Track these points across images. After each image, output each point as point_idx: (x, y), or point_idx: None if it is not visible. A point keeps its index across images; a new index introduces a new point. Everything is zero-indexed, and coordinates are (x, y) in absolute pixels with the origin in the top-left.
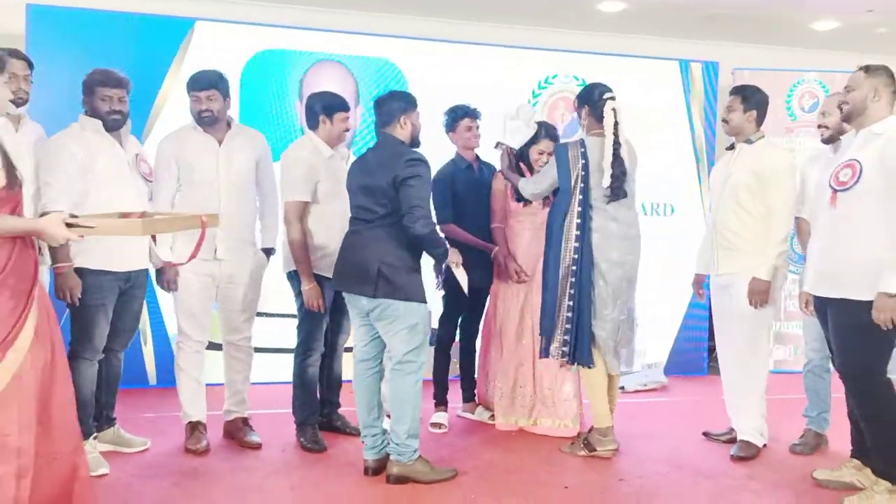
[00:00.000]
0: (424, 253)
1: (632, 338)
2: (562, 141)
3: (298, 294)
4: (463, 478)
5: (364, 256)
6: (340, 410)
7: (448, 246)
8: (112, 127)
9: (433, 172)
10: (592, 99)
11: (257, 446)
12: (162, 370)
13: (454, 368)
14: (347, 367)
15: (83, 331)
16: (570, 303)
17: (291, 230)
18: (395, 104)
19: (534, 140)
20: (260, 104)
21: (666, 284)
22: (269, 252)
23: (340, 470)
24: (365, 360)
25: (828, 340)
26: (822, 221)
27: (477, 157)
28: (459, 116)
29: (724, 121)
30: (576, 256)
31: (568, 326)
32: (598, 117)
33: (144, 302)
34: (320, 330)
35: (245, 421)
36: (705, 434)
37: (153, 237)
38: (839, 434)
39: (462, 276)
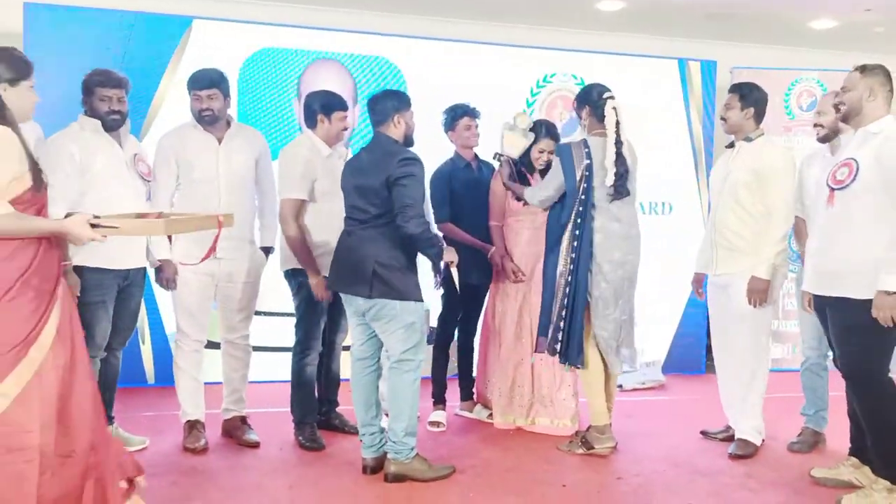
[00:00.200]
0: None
1: (633, 337)
2: (562, 140)
3: (296, 293)
4: (461, 476)
5: (359, 257)
6: (339, 409)
7: (443, 245)
8: (111, 127)
9: (431, 171)
10: (593, 99)
11: (256, 445)
12: (160, 369)
13: (453, 367)
14: (345, 365)
15: (85, 328)
16: (565, 301)
17: (287, 228)
18: (388, 103)
19: (534, 138)
20: (258, 103)
21: (664, 283)
22: (267, 251)
23: (339, 468)
24: (362, 358)
25: (828, 339)
26: (820, 220)
27: (476, 155)
28: (459, 115)
29: (723, 119)
30: (573, 255)
31: (561, 325)
32: (600, 117)
33: (143, 300)
34: (318, 329)
35: (243, 419)
36: (703, 433)
37: (169, 237)
38: (837, 432)
39: (455, 275)
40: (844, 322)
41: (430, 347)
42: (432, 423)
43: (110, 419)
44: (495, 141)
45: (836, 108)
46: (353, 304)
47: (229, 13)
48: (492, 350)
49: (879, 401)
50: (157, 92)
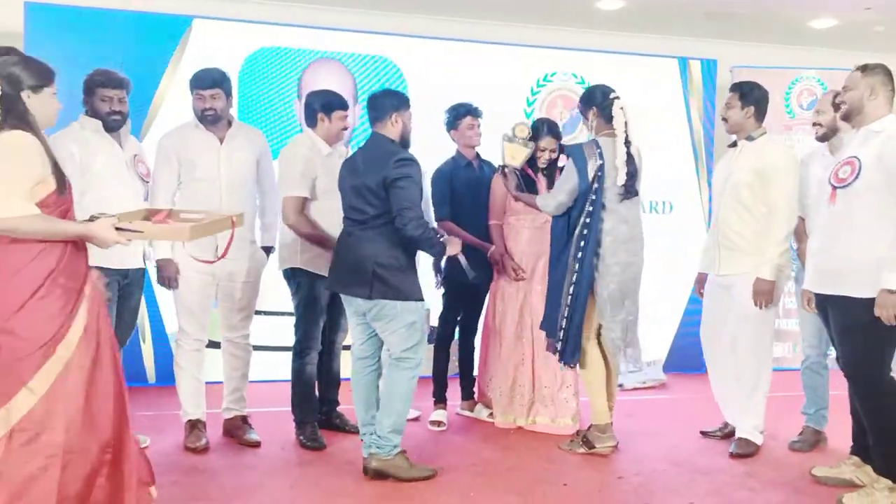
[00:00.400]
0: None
1: (638, 337)
2: (563, 139)
3: (295, 292)
4: (462, 475)
5: (358, 258)
6: (339, 408)
7: (444, 242)
8: (112, 127)
9: (432, 171)
10: (600, 100)
11: (256, 444)
12: (161, 368)
13: (453, 366)
14: (346, 365)
15: None
16: (568, 302)
17: (292, 223)
18: (387, 101)
19: (536, 137)
20: (258, 102)
21: (665, 282)
22: (268, 250)
23: (340, 468)
24: (363, 357)
25: (831, 338)
26: (821, 219)
27: (477, 154)
28: (462, 114)
29: (724, 119)
30: (579, 255)
31: (563, 325)
32: (608, 118)
33: (142, 300)
34: (317, 328)
35: (244, 419)
36: (702, 433)
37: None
38: (838, 431)
39: (464, 263)
40: (846, 321)
41: (431, 347)
42: (433, 423)
43: None
44: (496, 141)
45: (837, 106)
46: (353, 304)
47: (229, 13)
48: (492, 349)
49: (881, 400)
50: (158, 91)
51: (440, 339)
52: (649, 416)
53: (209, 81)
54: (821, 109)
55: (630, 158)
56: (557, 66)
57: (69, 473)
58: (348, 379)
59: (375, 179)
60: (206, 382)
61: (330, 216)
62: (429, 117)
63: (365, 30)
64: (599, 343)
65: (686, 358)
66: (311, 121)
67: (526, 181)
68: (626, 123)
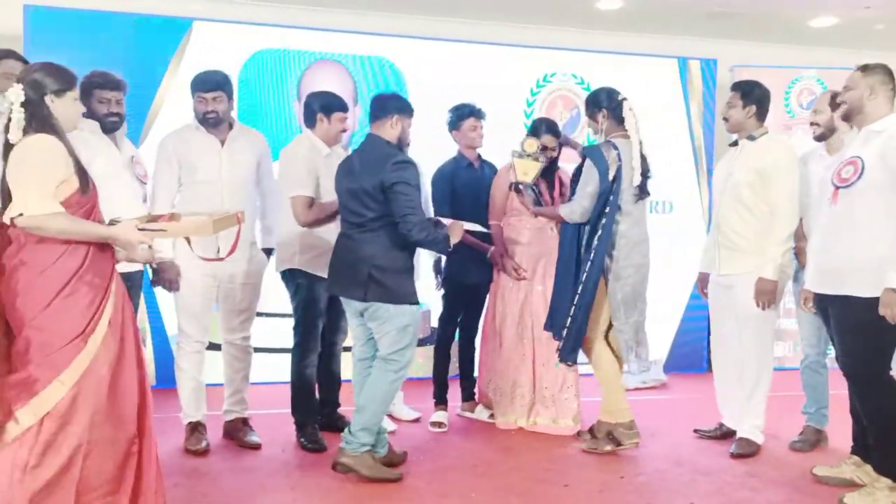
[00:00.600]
0: (421, 252)
1: (646, 336)
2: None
3: (294, 294)
4: (463, 476)
5: (354, 260)
6: (340, 410)
7: (447, 236)
8: (109, 129)
9: (432, 172)
10: (610, 102)
11: (257, 446)
12: (162, 370)
13: (454, 367)
14: (346, 366)
15: None
16: (574, 301)
17: (306, 221)
18: (392, 102)
19: (535, 136)
20: (258, 104)
21: (665, 282)
22: (269, 252)
23: None
24: (363, 358)
25: (831, 338)
26: (822, 219)
27: (479, 156)
28: (465, 115)
29: (725, 119)
30: (591, 255)
31: (567, 323)
32: (619, 119)
33: (143, 302)
34: (316, 330)
35: (245, 421)
36: (696, 431)
37: (188, 239)
38: (839, 431)
39: (472, 225)
40: (847, 321)
41: (431, 348)
42: (434, 424)
43: None
44: (497, 141)
45: (835, 106)
46: (351, 305)
47: (229, 15)
48: (493, 350)
49: (881, 399)
50: (158, 94)
51: (440, 340)
52: (650, 416)
53: (212, 84)
54: (818, 109)
55: (643, 159)
56: (557, 66)
57: (93, 464)
58: (349, 380)
59: (372, 183)
60: (207, 384)
61: None
62: (429, 118)
63: (364, 31)
64: (608, 343)
65: (686, 358)
66: (311, 121)
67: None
68: (636, 124)
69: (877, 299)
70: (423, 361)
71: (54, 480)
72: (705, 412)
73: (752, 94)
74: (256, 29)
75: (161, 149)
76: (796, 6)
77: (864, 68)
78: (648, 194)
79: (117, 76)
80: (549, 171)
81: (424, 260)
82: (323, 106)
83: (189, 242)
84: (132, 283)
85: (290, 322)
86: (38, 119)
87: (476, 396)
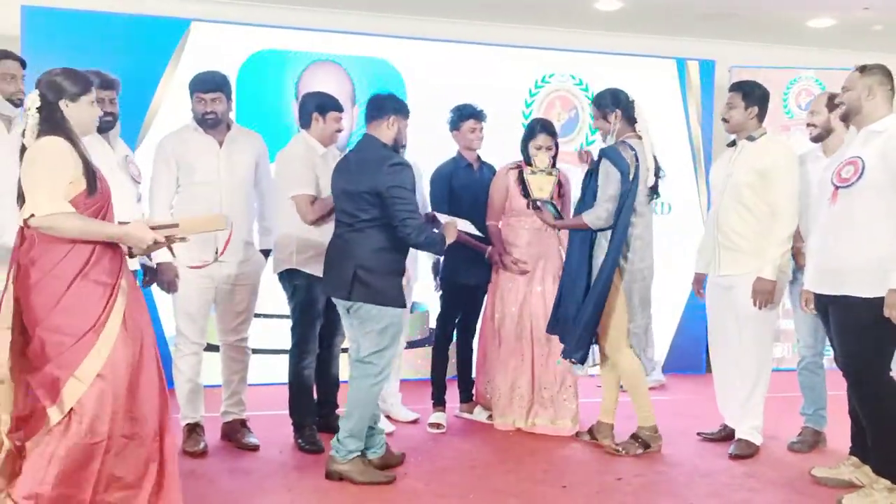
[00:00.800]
0: (420, 254)
1: (652, 338)
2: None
3: (291, 296)
4: (461, 477)
5: (343, 259)
6: (338, 411)
7: (443, 236)
8: (103, 128)
9: (430, 172)
10: (622, 102)
11: (255, 448)
12: None
13: (452, 368)
14: (344, 367)
15: None
16: (582, 300)
17: (313, 218)
18: (390, 103)
19: (531, 136)
20: (256, 105)
21: (664, 283)
22: (267, 253)
23: None
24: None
25: (830, 338)
26: (822, 219)
27: (478, 157)
28: (465, 117)
29: (725, 120)
30: (604, 256)
31: (576, 322)
32: (631, 120)
33: None
34: (314, 331)
35: (243, 422)
36: (699, 434)
37: (170, 249)
38: (837, 432)
39: (468, 227)
40: (847, 321)
41: (430, 349)
42: (432, 425)
43: None
44: (496, 143)
45: (833, 107)
46: (342, 304)
47: (228, 15)
48: (491, 351)
49: (880, 400)
50: (156, 94)
51: (439, 341)
52: None
53: (211, 85)
54: (815, 110)
55: (655, 159)
56: (556, 67)
57: (113, 456)
58: (347, 381)
59: (366, 185)
60: (205, 386)
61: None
62: (427, 119)
63: (363, 32)
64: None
65: (685, 359)
66: (306, 121)
67: (525, 187)
68: (647, 124)
69: (877, 299)
70: (421, 363)
71: (76, 474)
72: (704, 413)
73: (754, 95)
74: (254, 30)
75: (159, 150)
76: (794, 7)
77: (862, 69)
78: (659, 195)
79: (111, 75)
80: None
81: (423, 261)
82: (318, 106)
83: (171, 250)
84: None
85: (288, 323)
86: (51, 123)
87: (474, 397)
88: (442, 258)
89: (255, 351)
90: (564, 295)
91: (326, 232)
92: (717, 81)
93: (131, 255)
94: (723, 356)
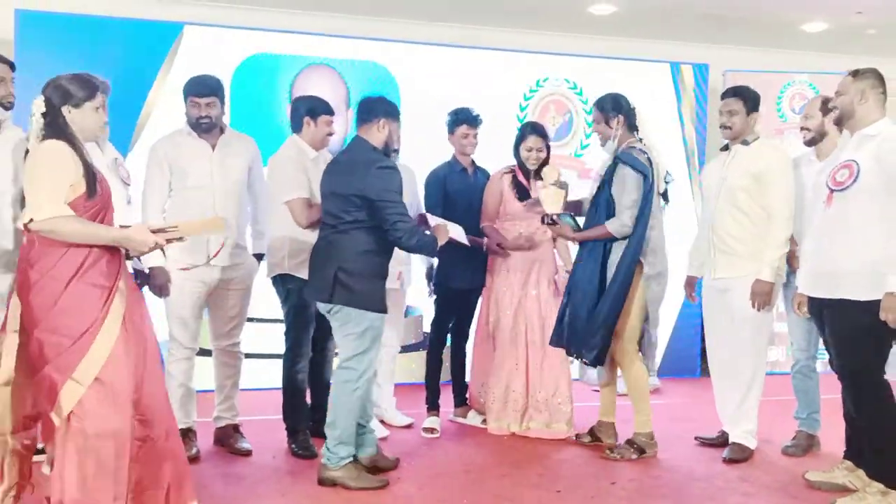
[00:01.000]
0: (413, 260)
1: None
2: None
3: (285, 300)
4: (455, 482)
5: (325, 261)
6: None
7: (434, 238)
8: None
9: (424, 175)
10: (622, 108)
11: (248, 453)
12: None
13: (446, 373)
14: None
15: None
16: (596, 305)
17: (307, 223)
18: (380, 106)
19: (521, 139)
20: (250, 109)
21: None
22: (260, 257)
23: None
24: None
25: (824, 342)
26: (816, 222)
27: (473, 162)
28: (459, 122)
29: (727, 126)
30: (620, 260)
31: (594, 327)
32: (633, 126)
33: None
34: (307, 335)
35: (236, 427)
36: (697, 439)
37: (163, 250)
38: (831, 435)
39: (458, 235)
40: (842, 324)
41: (424, 353)
42: (426, 430)
43: None
44: (491, 147)
45: (828, 111)
46: (323, 308)
47: (221, 19)
48: (485, 355)
49: (875, 403)
50: (148, 98)
51: (433, 345)
52: None
53: (206, 89)
54: (809, 114)
55: (661, 164)
56: (550, 71)
57: (126, 461)
58: None
59: (353, 187)
60: (197, 391)
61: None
62: (422, 123)
63: (357, 35)
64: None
65: (680, 362)
66: (297, 125)
67: (520, 189)
68: (650, 131)
69: (872, 302)
70: (415, 367)
71: (96, 479)
72: (699, 417)
73: (753, 100)
74: (248, 33)
75: (152, 154)
76: (788, 11)
77: (855, 73)
78: (668, 200)
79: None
80: (540, 174)
81: (417, 267)
82: (309, 109)
83: (163, 251)
84: None
85: (281, 327)
86: (54, 128)
87: (468, 402)
88: (436, 263)
89: (247, 355)
90: (574, 304)
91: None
92: (711, 85)
93: (128, 257)
94: (720, 360)
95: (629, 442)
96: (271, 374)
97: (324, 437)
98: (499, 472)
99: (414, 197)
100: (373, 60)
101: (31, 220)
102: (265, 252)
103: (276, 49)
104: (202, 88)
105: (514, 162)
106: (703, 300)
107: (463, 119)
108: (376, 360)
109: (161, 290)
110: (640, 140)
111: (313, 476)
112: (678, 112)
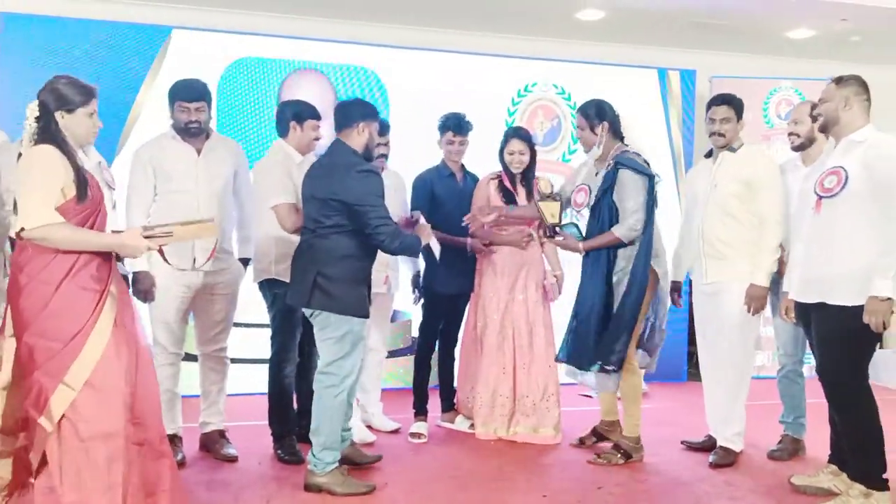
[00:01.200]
0: (400, 267)
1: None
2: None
3: (271, 305)
4: (443, 487)
5: (305, 266)
6: None
7: (418, 241)
8: None
9: (411, 180)
10: (606, 115)
11: (234, 459)
12: None
13: (434, 378)
14: None
15: None
16: (607, 311)
17: (292, 228)
18: (356, 109)
19: (505, 143)
20: (237, 113)
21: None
22: (246, 262)
23: None
24: None
25: (812, 346)
26: (805, 228)
27: (462, 167)
28: (446, 128)
29: (720, 134)
30: (630, 266)
31: (614, 334)
32: (618, 133)
33: None
34: (294, 340)
35: (221, 433)
36: (683, 443)
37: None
38: (817, 440)
39: (435, 247)
40: (830, 329)
41: (411, 359)
42: (413, 435)
43: None
44: (479, 152)
45: (814, 118)
46: (307, 311)
47: (209, 23)
48: (473, 359)
49: (857, 407)
50: (136, 102)
51: (420, 350)
52: None
53: (195, 94)
54: (798, 119)
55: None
56: (538, 76)
57: (121, 464)
58: None
59: (332, 190)
60: (183, 396)
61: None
62: (410, 127)
63: (346, 40)
64: None
65: (667, 367)
66: (283, 129)
67: (506, 194)
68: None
69: (859, 308)
70: (402, 372)
71: (94, 481)
72: (686, 422)
73: (742, 108)
74: (236, 37)
75: (136, 158)
76: (774, 18)
77: (839, 80)
78: (657, 204)
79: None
80: (526, 178)
81: (404, 274)
82: (295, 114)
83: (163, 255)
84: None
85: (268, 332)
86: (46, 133)
87: (456, 406)
88: (423, 269)
89: (233, 360)
90: (581, 319)
91: None
92: (698, 91)
93: (118, 260)
94: (708, 364)
95: (616, 446)
96: (257, 380)
97: (309, 442)
98: (486, 477)
99: (403, 204)
100: (361, 65)
101: (23, 229)
102: (251, 257)
103: (264, 53)
104: (191, 93)
105: (501, 167)
106: (693, 305)
107: (449, 125)
108: (359, 365)
109: (146, 295)
110: (627, 146)
111: (299, 482)
112: (665, 117)
